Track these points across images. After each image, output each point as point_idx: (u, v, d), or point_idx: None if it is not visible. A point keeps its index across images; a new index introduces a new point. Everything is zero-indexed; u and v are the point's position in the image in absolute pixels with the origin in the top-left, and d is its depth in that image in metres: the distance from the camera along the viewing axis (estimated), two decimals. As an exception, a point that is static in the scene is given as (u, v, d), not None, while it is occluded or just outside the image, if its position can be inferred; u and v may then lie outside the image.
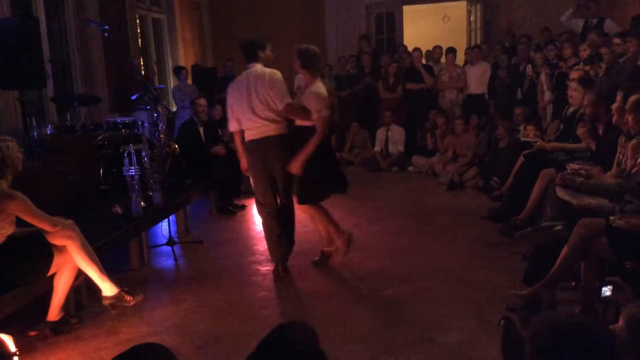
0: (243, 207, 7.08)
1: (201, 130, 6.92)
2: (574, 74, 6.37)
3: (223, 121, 7.99)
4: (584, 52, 7.16)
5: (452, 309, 3.93)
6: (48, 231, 3.58)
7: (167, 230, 5.42)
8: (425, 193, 7.52)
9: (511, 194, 5.83)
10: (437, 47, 9.82)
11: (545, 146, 5.87)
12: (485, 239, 5.34)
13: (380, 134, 9.40)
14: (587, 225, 3.54)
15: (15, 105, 5.94)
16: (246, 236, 6.04)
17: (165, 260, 5.28)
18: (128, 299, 3.86)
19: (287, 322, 1.67)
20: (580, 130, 5.44)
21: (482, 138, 8.24)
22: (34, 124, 5.87)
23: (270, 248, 4.82)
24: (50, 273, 3.63)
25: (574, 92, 5.69)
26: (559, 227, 3.90)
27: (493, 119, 8.36)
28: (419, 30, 12.62)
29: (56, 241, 3.59)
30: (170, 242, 5.34)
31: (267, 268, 4.95)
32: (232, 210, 6.91)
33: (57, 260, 3.61)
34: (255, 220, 6.74)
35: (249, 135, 4.65)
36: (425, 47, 9.99)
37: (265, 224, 4.81)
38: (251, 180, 4.90)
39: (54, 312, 3.74)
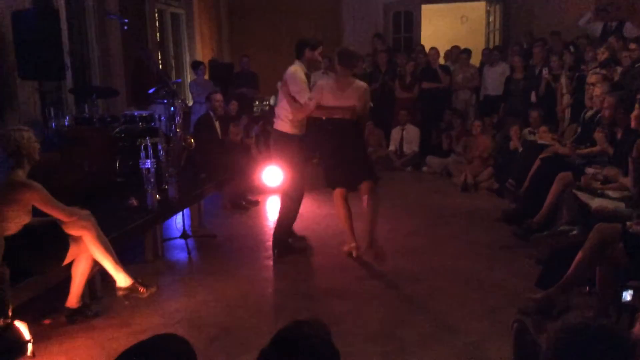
0: (257, 202, 7.10)
1: (217, 125, 6.95)
2: (591, 78, 6.32)
3: (238, 116, 8.04)
4: (602, 55, 7.11)
5: (464, 310, 3.91)
6: (64, 221, 3.62)
7: (181, 223, 5.45)
8: (439, 194, 7.49)
9: (527, 197, 5.79)
10: (455, 47, 9.77)
11: (559, 150, 5.84)
12: (499, 241, 5.30)
13: (395, 133, 9.38)
14: (603, 230, 3.51)
15: (34, 96, 6.00)
16: (259, 232, 6.05)
17: (179, 253, 5.31)
18: (142, 290, 3.89)
19: (302, 319, 1.67)
20: (597, 135, 5.39)
21: (499, 139, 8.18)
22: (52, 115, 5.93)
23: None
24: (66, 262, 3.66)
25: (598, 90, 5.63)
26: (574, 232, 3.87)
27: (505, 121, 8.31)
28: (437, 30, 12.56)
29: (72, 231, 3.63)
30: (184, 235, 5.36)
31: (279, 264, 4.97)
32: (245, 205, 6.93)
33: (73, 250, 3.64)
34: (269, 216, 6.77)
35: None
36: (443, 47, 9.95)
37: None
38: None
39: (72, 300, 3.78)
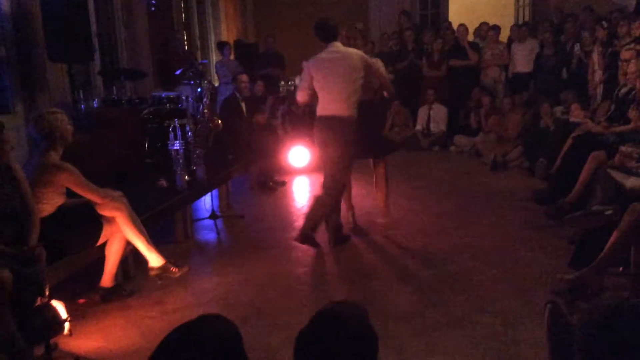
0: (283, 183, 7.11)
1: (243, 106, 6.95)
2: (625, 54, 6.15)
3: (264, 97, 8.04)
4: (637, 30, 6.91)
5: (495, 290, 3.88)
6: (97, 202, 3.66)
7: (210, 204, 5.49)
8: (468, 173, 7.42)
9: (559, 176, 5.69)
10: (484, 24, 9.58)
11: (591, 128, 5.71)
12: (530, 221, 5.23)
13: (423, 112, 9.29)
14: (639, 210, 3.44)
15: (63, 78, 6.06)
16: (286, 212, 6.07)
17: (208, 233, 5.36)
18: (174, 270, 3.93)
19: (339, 301, 1.67)
20: (632, 112, 5.26)
21: (529, 118, 8.05)
22: (82, 97, 5.99)
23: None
24: (99, 243, 3.72)
25: (633, 66, 5.48)
26: (609, 212, 3.80)
27: (536, 99, 8.16)
28: (465, 5, 12.35)
29: (105, 212, 3.68)
30: (212, 216, 5.41)
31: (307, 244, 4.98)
32: (272, 186, 6.95)
33: (106, 231, 3.70)
34: (296, 196, 6.79)
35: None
36: (471, 22, 9.77)
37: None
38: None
39: (106, 279, 3.85)
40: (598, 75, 7.61)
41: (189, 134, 5.28)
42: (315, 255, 4.73)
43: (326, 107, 4.67)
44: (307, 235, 4.78)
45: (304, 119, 9.15)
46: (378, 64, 4.97)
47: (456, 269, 4.29)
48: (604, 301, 1.57)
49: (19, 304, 2.84)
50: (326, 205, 4.80)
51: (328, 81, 4.64)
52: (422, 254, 4.64)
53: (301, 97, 4.85)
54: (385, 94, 5.02)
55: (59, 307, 3.14)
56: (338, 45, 4.70)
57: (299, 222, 5.62)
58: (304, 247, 4.90)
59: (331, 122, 4.64)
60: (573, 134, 5.78)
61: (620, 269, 3.88)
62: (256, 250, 4.85)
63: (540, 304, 3.09)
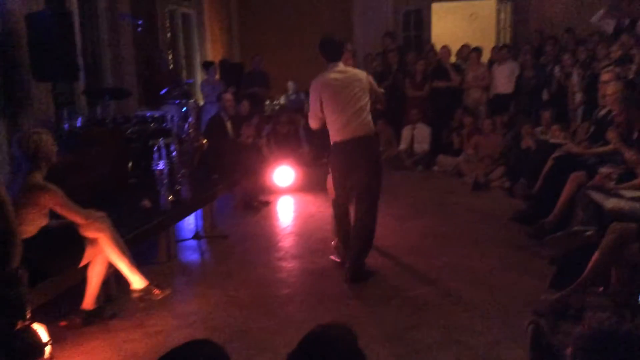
0: (268, 203, 7.10)
1: (229, 125, 6.96)
2: (604, 76, 6.29)
3: (250, 116, 8.06)
4: (616, 53, 7.08)
5: (478, 311, 3.90)
6: (80, 224, 3.64)
7: (194, 224, 5.47)
8: (451, 193, 7.47)
9: (540, 197, 5.76)
10: (466, 46, 9.73)
11: (571, 150, 5.80)
12: (512, 241, 5.28)
13: (406, 132, 9.36)
14: (619, 230, 3.51)
15: (47, 97, 6.04)
16: (271, 232, 6.06)
17: (192, 254, 5.34)
18: (156, 292, 3.91)
19: (328, 323, 1.68)
20: (610, 134, 5.36)
21: (510, 138, 8.16)
22: (66, 116, 5.97)
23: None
24: (82, 264, 3.69)
25: (611, 88, 5.59)
26: (590, 233, 3.86)
27: (516, 120, 8.29)
28: (447, 27, 12.53)
29: (88, 233, 3.65)
30: (196, 236, 5.39)
31: (291, 265, 4.98)
32: (257, 206, 6.94)
33: (88, 252, 3.67)
34: (280, 216, 6.79)
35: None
36: (453, 44, 9.91)
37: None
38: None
39: (88, 302, 3.81)
40: (578, 97, 7.77)
41: (174, 153, 5.27)
42: (299, 276, 4.73)
43: (346, 128, 4.44)
44: (359, 272, 4.56)
45: (288, 139, 9.21)
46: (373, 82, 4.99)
47: (438, 290, 4.31)
48: (596, 326, 1.60)
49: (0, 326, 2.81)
50: (372, 232, 4.68)
51: (342, 102, 4.42)
52: (405, 275, 4.66)
53: (315, 123, 4.65)
54: (378, 106, 4.95)
55: (41, 330, 3.10)
56: (342, 65, 4.56)
57: (284, 242, 5.63)
58: (289, 267, 4.92)
59: (358, 144, 4.44)
60: (554, 155, 5.87)
61: (601, 288, 3.93)
62: (240, 271, 4.84)
63: (523, 324, 3.12)
